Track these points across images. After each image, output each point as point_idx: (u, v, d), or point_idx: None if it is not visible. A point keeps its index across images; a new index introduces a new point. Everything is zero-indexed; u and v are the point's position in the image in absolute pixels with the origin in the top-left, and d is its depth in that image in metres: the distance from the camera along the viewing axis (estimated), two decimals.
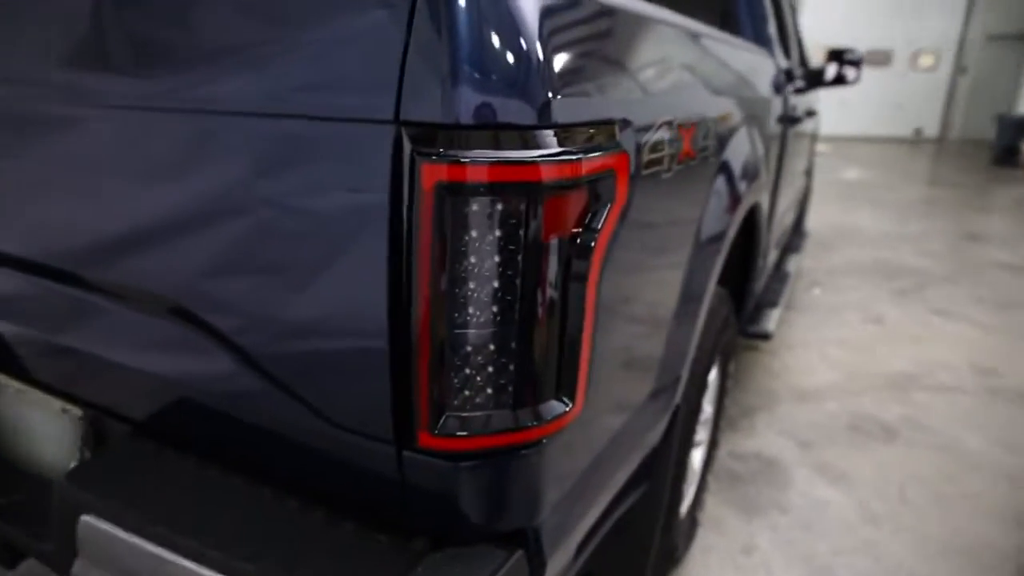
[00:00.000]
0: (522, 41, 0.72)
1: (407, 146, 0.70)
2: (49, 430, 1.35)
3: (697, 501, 2.01)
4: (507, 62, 0.71)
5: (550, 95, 0.73)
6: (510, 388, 0.79)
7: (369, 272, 0.77)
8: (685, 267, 1.29)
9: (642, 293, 1.09)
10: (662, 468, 1.42)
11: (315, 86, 0.76)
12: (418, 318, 0.75)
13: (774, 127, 2.31)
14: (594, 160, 0.77)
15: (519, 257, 0.74)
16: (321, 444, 0.91)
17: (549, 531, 0.92)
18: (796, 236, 4.37)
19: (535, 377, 0.79)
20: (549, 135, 0.73)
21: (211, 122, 0.84)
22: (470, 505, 0.84)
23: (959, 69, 12.58)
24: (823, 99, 4.68)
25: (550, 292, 0.76)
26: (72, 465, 1.30)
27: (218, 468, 1.08)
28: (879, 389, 3.20)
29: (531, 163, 0.70)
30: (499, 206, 0.71)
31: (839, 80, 3.49)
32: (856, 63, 3.55)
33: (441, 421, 0.79)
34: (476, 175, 0.69)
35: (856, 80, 3.60)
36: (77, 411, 1.28)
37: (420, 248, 0.72)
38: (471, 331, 0.75)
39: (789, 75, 2.73)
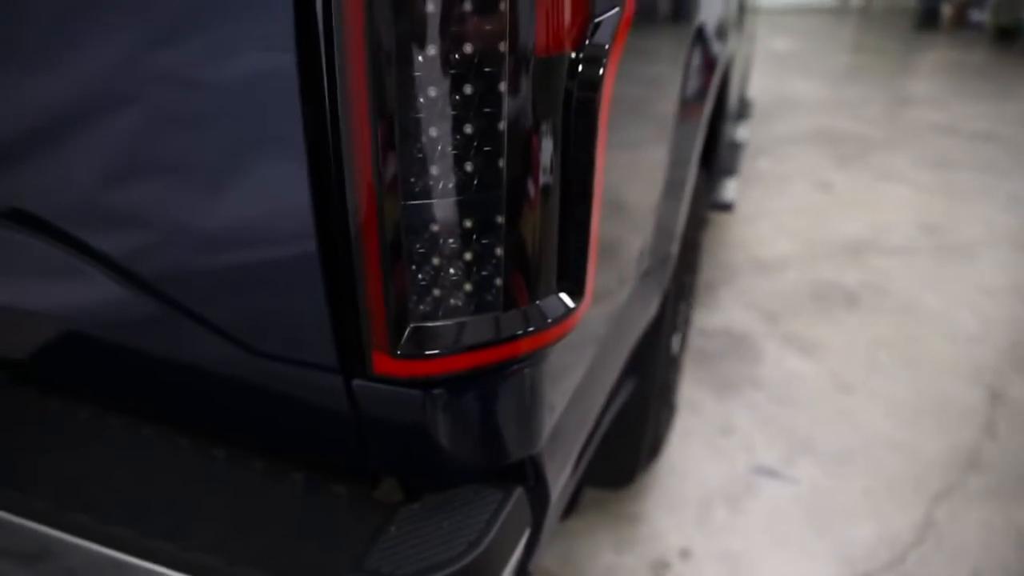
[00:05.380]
0: None
1: None
2: None
3: (675, 384, 1.89)
4: None
5: None
6: (497, 282, 0.56)
7: (276, 132, 0.52)
8: (674, 125, 1.07)
9: (636, 153, 0.87)
10: (653, 357, 1.25)
11: None
12: (355, 189, 0.51)
13: None
14: None
15: (502, 85, 0.49)
16: (247, 379, 0.68)
17: (549, 456, 0.73)
18: (742, 104, 4.18)
19: (532, 263, 0.57)
20: None
21: None
22: (450, 441, 0.63)
23: None
24: None
25: (548, 139, 0.53)
26: None
27: (122, 419, 0.85)
28: (836, 255, 3.13)
29: None
30: (467, 2, 0.46)
31: None
32: None
33: (404, 336, 0.56)
34: None
35: None
36: None
37: (349, 77, 0.47)
38: (437, 201, 0.51)
39: None
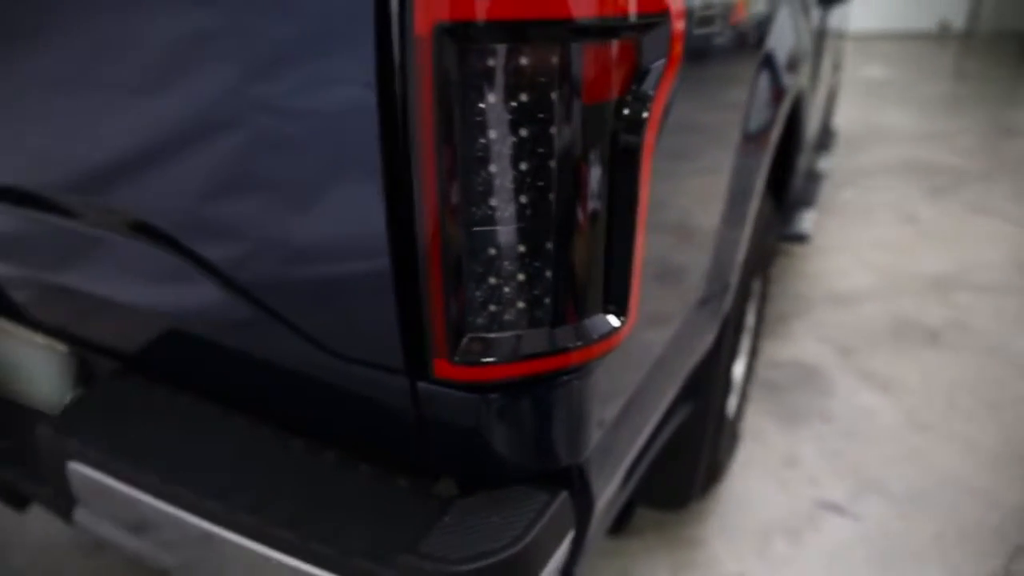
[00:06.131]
0: None
1: None
2: (40, 369, 1.24)
3: (739, 413, 1.90)
4: None
5: None
6: (547, 300, 0.63)
7: (359, 163, 0.60)
8: (734, 158, 1.11)
9: (689, 185, 0.92)
10: (711, 382, 1.28)
11: None
12: (424, 217, 0.59)
13: (814, 9, 2.07)
14: None
15: (552, 129, 0.57)
16: (325, 377, 0.77)
17: (596, 465, 0.79)
18: (826, 134, 4.11)
19: (578, 285, 0.64)
20: None
21: None
22: (502, 443, 0.70)
23: None
24: None
25: (594, 176, 0.60)
26: (64, 404, 1.20)
27: (215, 407, 0.96)
28: (919, 291, 3.03)
29: None
30: (523, 57, 0.54)
31: None
32: None
33: (461, 345, 0.63)
34: (489, 9, 0.51)
35: None
36: (64, 348, 1.16)
37: (419, 121, 0.55)
38: (494, 228, 0.58)
39: None
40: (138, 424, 0.95)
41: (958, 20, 12.07)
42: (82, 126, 0.82)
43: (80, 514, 1.01)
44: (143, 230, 0.84)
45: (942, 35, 11.84)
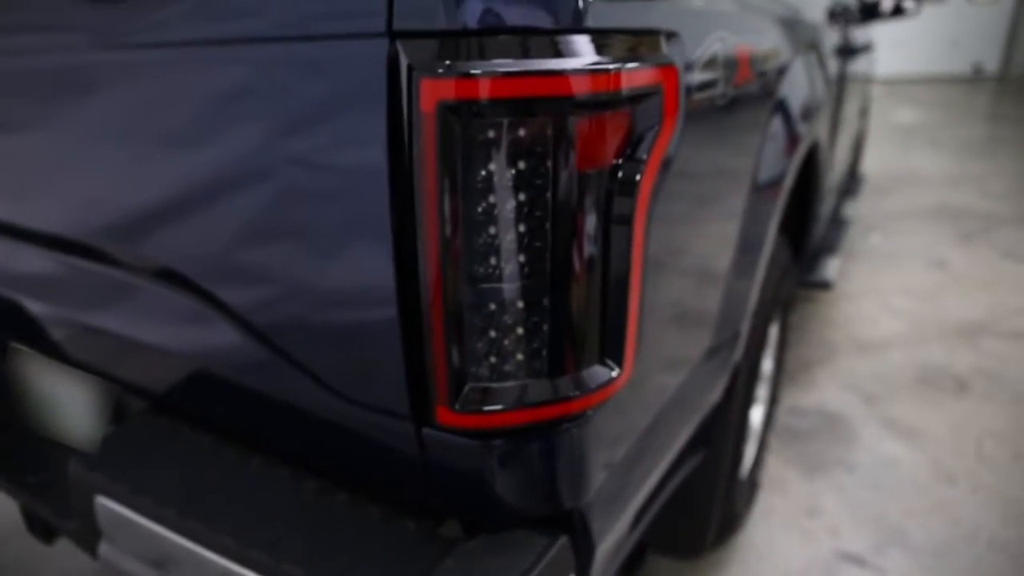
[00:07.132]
0: None
1: (403, 61, 0.58)
2: (74, 405, 1.30)
3: (757, 462, 1.89)
4: None
5: None
6: (544, 352, 0.66)
7: (370, 220, 0.65)
8: (743, 209, 1.14)
9: (695, 238, 0.95)
10: (722, 431, 1.29)
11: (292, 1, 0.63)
12: (428, 272, 0.63)
13: (832, 59, 2.10)
14: (636, 73, 0.63)
15: (548, 194, 0.61)
16: (337, 421, 0.81)
17: (598, 511, 0.81)
18: (852, 180, 4.11)
19: (574, 338, 0.67)
20: (580, 41, 0.59)
21: (182, 56, 0.72)
22: (504, 488, 0.73)
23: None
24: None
25: (588, 236, 0.63)
26: (97, 441, 1.25)
27: (234, 447, 1.00)
28: (947, 338, 2.99)
29: (559, 74, 0.57)
30: (520, 130, 0.58)
31: (897, 11, 3.20)
32: None
33: (462, 394, 0.67)
34: (489, 90, 0.56)
35: (916, 12, 3.32)
36: (98, 386, 1.22)
37: (424, 186, 0.60)
38: (492, 286, 0.62)
39: (845, 6, 2.49)
40: (162, 462, 0.99)
41: (991, 63, 12.02)
42: (116, 182, 0.88)
43: (104, 548, 1.05)
44: (169, 276, 0.90)
45: (975, 78, 11.77)
